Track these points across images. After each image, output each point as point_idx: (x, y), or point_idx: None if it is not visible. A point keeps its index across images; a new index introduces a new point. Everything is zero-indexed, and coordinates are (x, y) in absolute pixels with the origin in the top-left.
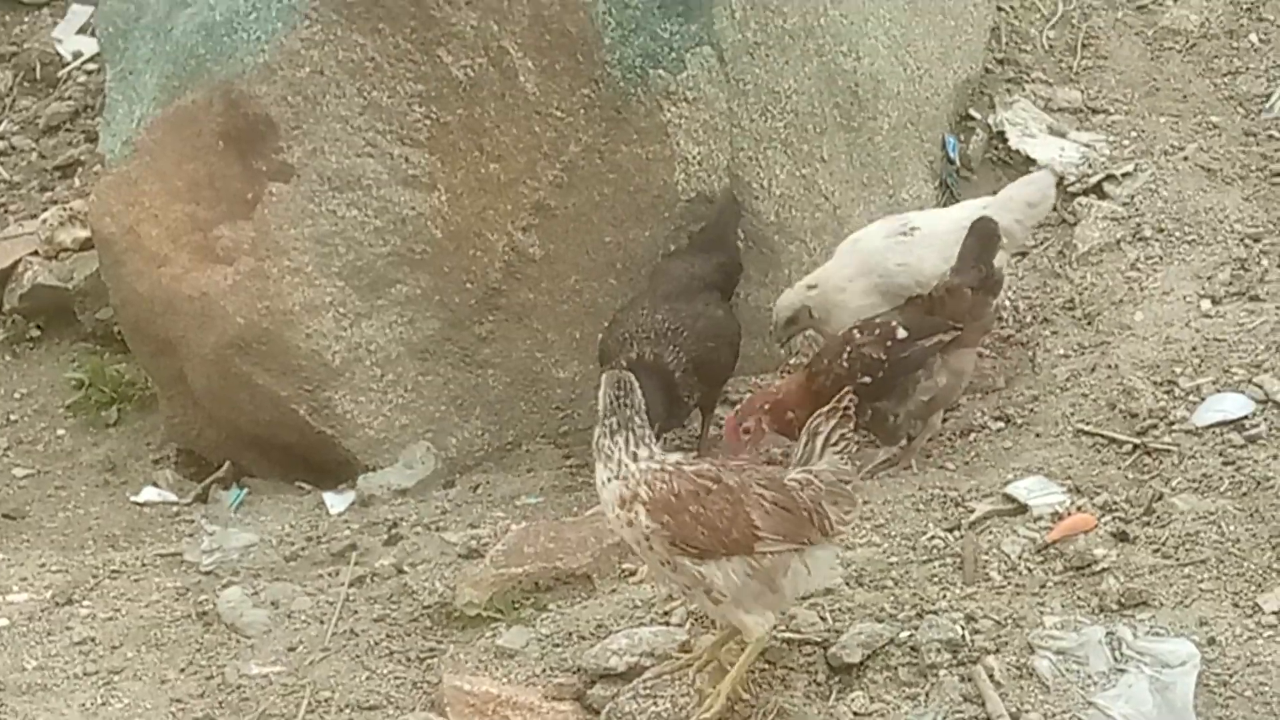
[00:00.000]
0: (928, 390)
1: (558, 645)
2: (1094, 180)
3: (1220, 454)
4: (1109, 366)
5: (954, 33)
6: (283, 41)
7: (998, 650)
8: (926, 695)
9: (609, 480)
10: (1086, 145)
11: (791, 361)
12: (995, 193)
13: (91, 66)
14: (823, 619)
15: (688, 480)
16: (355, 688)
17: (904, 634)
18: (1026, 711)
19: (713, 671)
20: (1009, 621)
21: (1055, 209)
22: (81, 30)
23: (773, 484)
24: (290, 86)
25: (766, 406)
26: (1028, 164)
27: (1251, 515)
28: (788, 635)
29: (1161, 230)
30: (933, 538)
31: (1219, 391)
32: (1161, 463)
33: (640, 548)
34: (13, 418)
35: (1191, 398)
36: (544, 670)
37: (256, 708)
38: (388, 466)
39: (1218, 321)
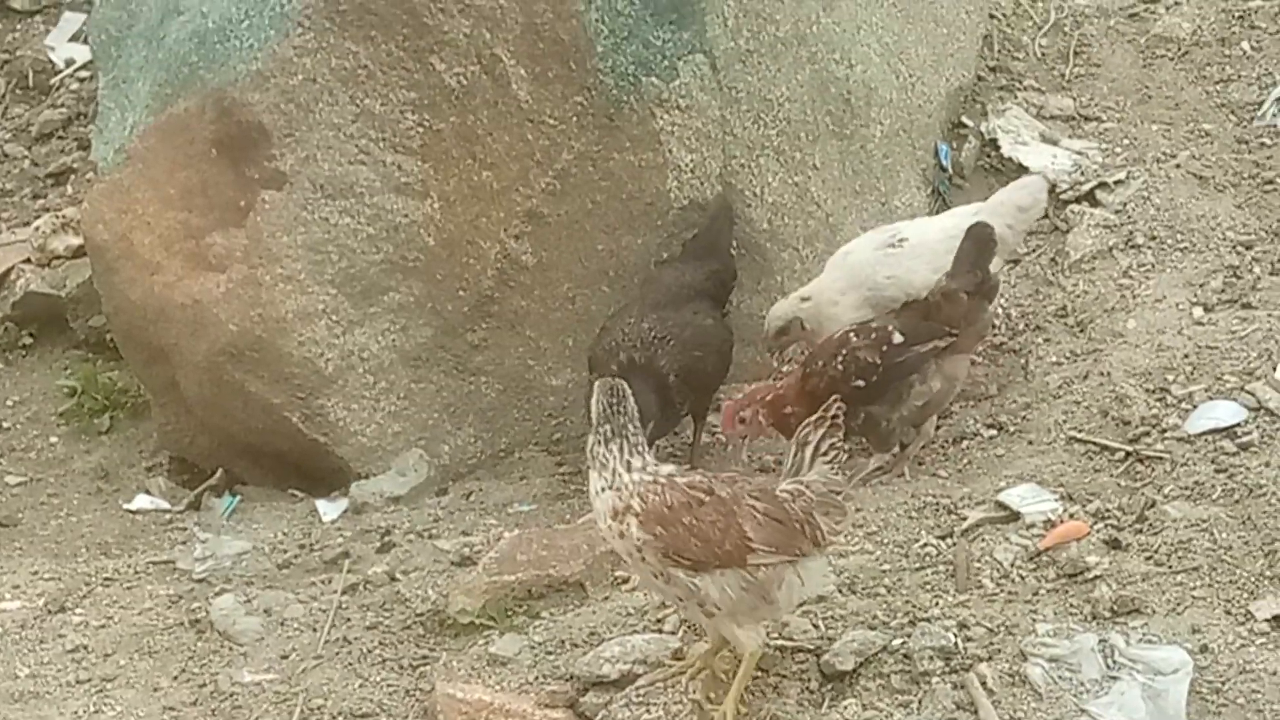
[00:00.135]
0: (922, 395)
1: (550, 653)
2: (1086, 188)
3: (1212, 461)
4: (1101, 374)
5: (946, 40)
6: (275, 49)
7: (990, 658)
8: (919, 703)
9: (603, 490)
10: (1079, 153)
11: (784, 370)
12: (986, 199)
13: (84, 74)
14: (816, 626)
15: (680, 492)
16: (348, 695)
17: (897, 641)
18: (1019, 719)
19: (705, 679)
20: (1002, 629)
21: (1047, 216)
22: (74, 38)
23: (765, 495)
24: (283, 94)
25: (767, 399)
26: (1020, 171)
27: (1244, 523)
28: (780, 643)
29: (1154, 238)
30: (925, 545)
31: (1211, 399)
32: (1154, 470)
33: (633, 559)
34: (5, 425)
35: (1184, 405)
36: (537, 678)
37: (249, 715)
38: (380, 474)
39: (1210, 329)
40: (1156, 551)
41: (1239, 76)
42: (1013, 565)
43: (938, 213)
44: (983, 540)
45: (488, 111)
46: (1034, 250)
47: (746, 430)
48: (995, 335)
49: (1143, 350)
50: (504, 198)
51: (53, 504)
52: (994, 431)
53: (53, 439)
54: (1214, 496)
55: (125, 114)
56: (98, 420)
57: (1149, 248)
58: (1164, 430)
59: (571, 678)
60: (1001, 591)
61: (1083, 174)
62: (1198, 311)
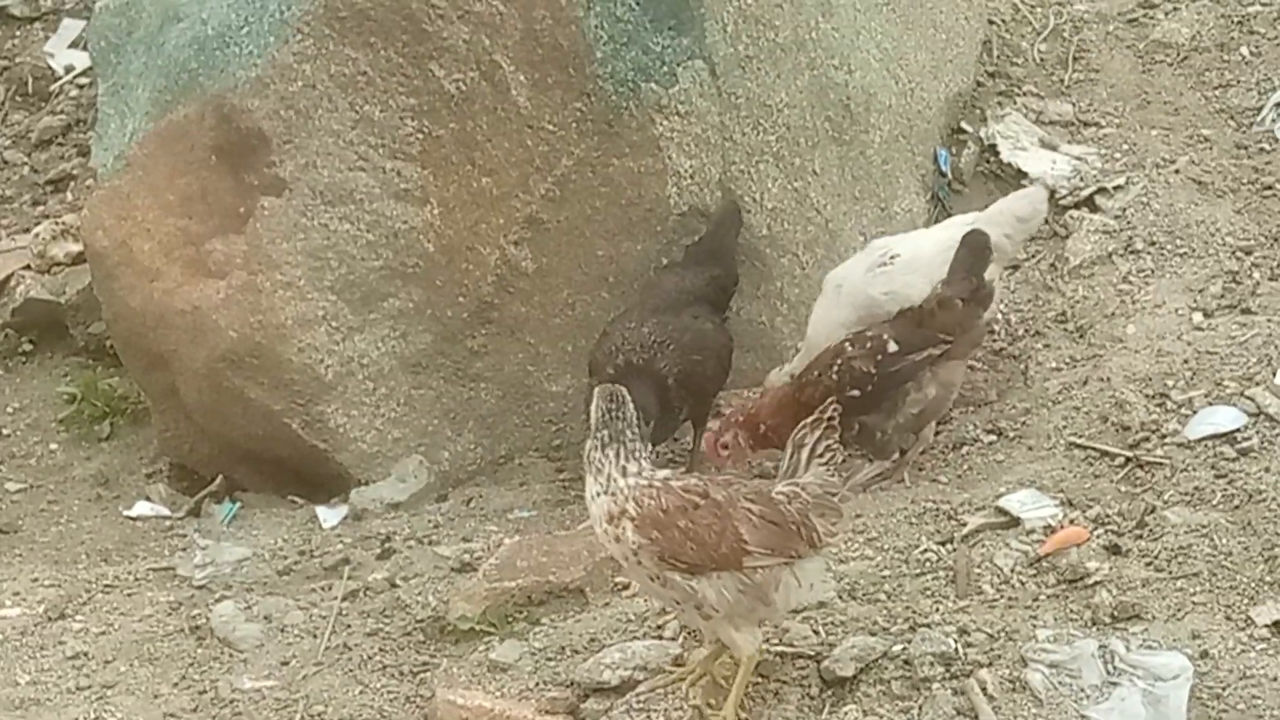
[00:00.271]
0: (917, 403)
1: (551, 659)
2: (1085, 193)
3: (1212, 467)
4: (1101, 379)
5: (945, 46)
6: (275, 55)
7: (991, 664)
8: (919, 709)
9: (598, 495)
10: (1078, 158)
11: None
12: (985, 207)
13: (84, 80)
14: (815, 632)
15: (675, 496)
16: (348, 702)
17: (897, 647)
18: None
19: (706, 685)
20: (1002, 635)
21: (1047, 222)
22: (73, 44)
23: (760, 498)
24: (282, 100)
25: (739, 421)
26: (1019, 177)
27: (1244, 528)
28: (780, 649)
29: (1153, 243)
30: (925, 551)
31: (1211, 404)
32: (1154, 476)
33: (629, 563)
34: (5, 432)
35: (1184, 411)
36: (537, 684)
37: None
38: (380, 480)
39: (1210, 334)
40: (1157, 557)
41: (1238, 82)
42: (1013, 571)
43: (938, 219)
44: (983, 546)
45: (487, 118)
46: (1033, 256)
47: (731, 455)
48: (995, 341)
49: (1142, 356)
50: (503, 204)
51: (53, 511)
52: (994, 437)
53: (53, 446)
54: (1214, 502)
55: (125, 120)
56: (98, 427)
57: (1148, 253)
58: (1164, 436)
59: (572, 684)
60: (1002, 597)
61: (1082, 179)
62: (1197, 317)
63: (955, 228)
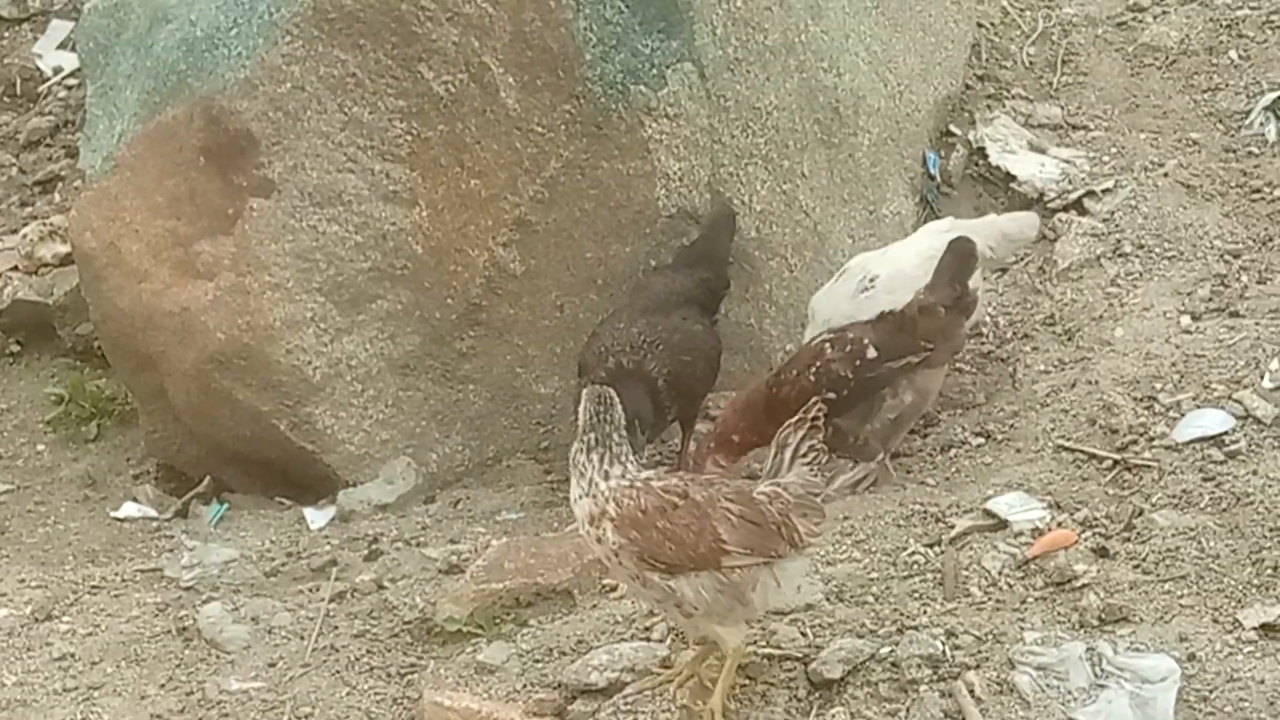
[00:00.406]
0: (893, 409)
1: (538, 661)
2: (1074, 196)
3: (1200, 470)
4: (1089, 382)
5: (934, 49)
6: (264, 57)
7: (978, 666)
8: (907, 711)
9: (580, 498)
10: (1066, 161)
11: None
12: (975, 209)
13: (72, 82)
14: (803, 635)
15: (655, 496)
16: (335, 704)
17: (885, 650)
18: None
19: (693, 687)
20: (989, 637)
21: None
22: (62, 45)
23: (740, 498)
24: (271, 102)
25: (712, 445)
26: (1008, 180)
27: (1231, 531)
28: (768, 651)
29: (1141, 246)
30: (913, 553)
31: (1199, 407)
32: (1142, 479)
33: (611, 563)
34: None
35: (1171, 414)
36: (525, 686)
37: None
38: (368, 482)
39: (1198, 338)
40: (1144, 560)
41: (1226, 85)
42: (1000, 573)
43: (927, 221)
44: (970, 548)
45: (476, 120)
46: (1022, 259)
47: (726, 469)
48: (983, 343)
49: (1130, 359)
50: (492, 206)
51: (40, 512)
52: (982, 440)
53: (40, 447)
54: (1202, 505)
55: (113, 122)
56: (85, 428)
57: (1137, 256)
58: (1152, 439)
59: (559, 686)
60: (989, 600)
61: (1070, 182)
62: (1185, 320)
63: (932, 235)
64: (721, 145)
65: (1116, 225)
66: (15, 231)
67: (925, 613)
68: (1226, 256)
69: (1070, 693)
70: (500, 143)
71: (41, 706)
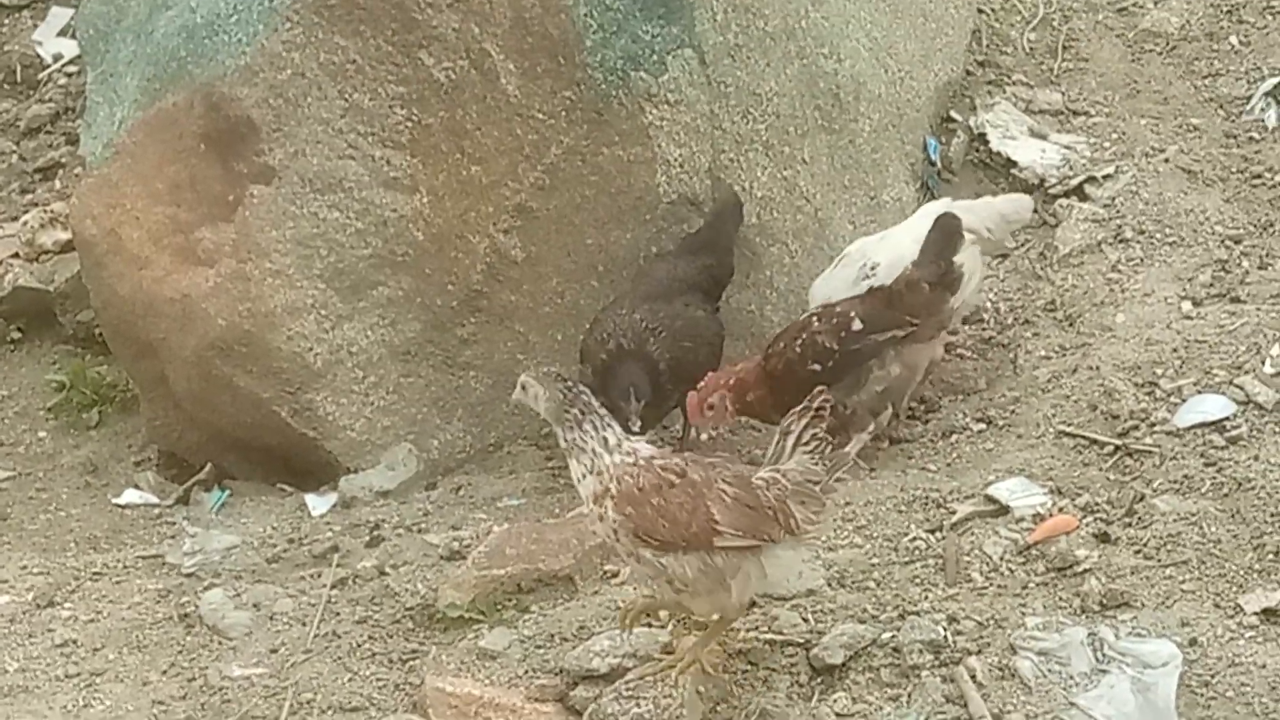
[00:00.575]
0: (881, 381)
1: (540, 647)
2: (1075, 182)
3: (1201, 455)
4: (1090, 368)
5: (935, 35)
6: (264, 44)
7: (980, 651)
8: (909, 696)
9: (583, 477)
10: (1067, 147)
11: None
12: (976, 196)
13: (72, 69)
14: (805, 620)
15: (653, 474)
16: (337, 689)
17: (886, 635)
18: (1009, 712)
19: (695, 673)
20: (991, 622)
21: (1036, 211)
22: (62, 32)
23: (738, 481)
24: (271, 89)
25: (730, 383)
26: (1009, 166)
27: (1233, 516)
28: (770, 636)
29: (1142, 232)
30: (915, 539)
31: (1200, 393)
32: (1143, 464)
33: (611, 540)
34: None
35: (1173, 399)
36: (526, 672)
37: (238, 710)
38: (369, 468)
39: (1199, 323)
40: (1145, 545)
41: (1227, 71)
42: (1002, 559)
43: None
44: (972, 534)
45: (476, 106)
46: (1023, 244)
47: (715, 417)
48: (984, 329)
49: (1131, 344)
50: (493, 192)
51: (41, 499)
52: (983, 425)
53: (41, 434)
54: (1203, 490)
55: (113, 109)
56: (86, 415)
57: (1137, 242)
58: (1153, 424)
59: (561, 671)
60: (991, 585)
61: (1071, 168)
62: (1186, 306)
63: (930, 219)
64: (722, 131)
65: (1117, 211)
66: (16, 219)
67: (927, 598)
68: (1227, 242)
69: (1072, 678)
70: (501, 129)
71: (43, 693)
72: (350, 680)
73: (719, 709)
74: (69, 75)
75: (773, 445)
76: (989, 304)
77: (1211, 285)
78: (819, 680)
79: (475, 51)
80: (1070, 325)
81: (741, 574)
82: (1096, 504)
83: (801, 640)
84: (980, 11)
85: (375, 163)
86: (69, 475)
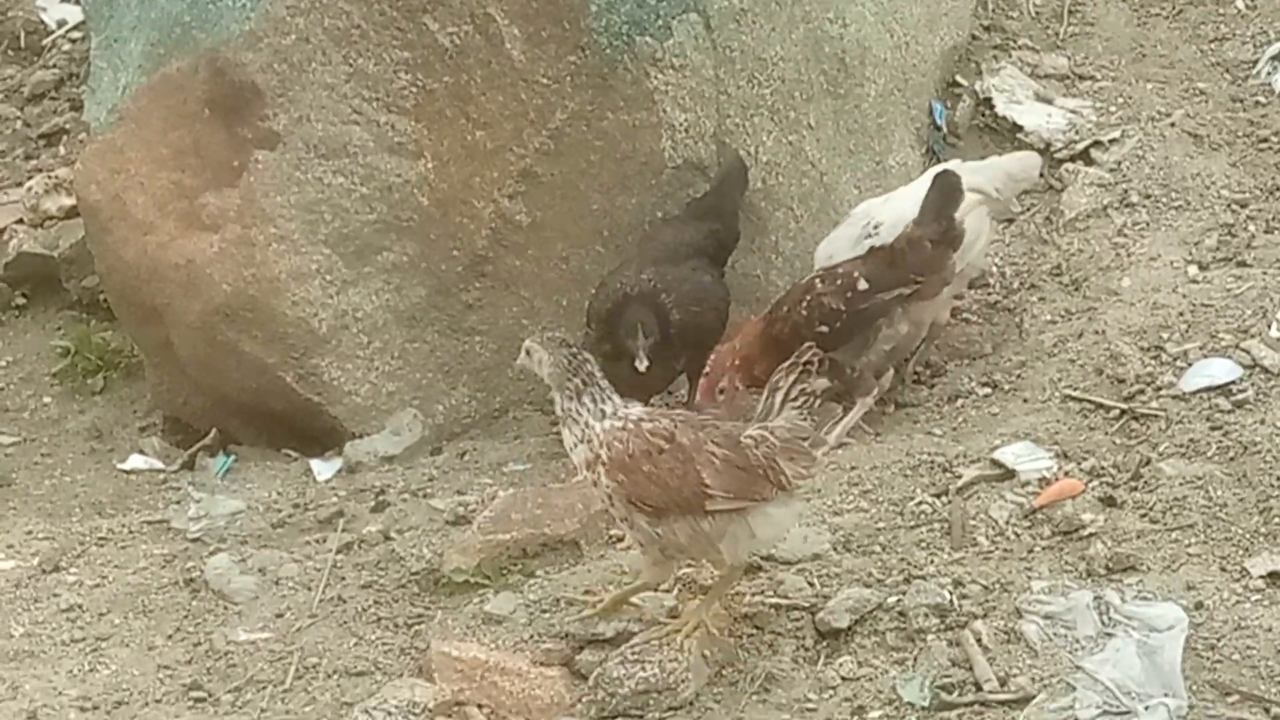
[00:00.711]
0: (889, 340)
1: (545, 611)
2: (1081, 146)
3: (1207, 419)
4: (1096, 332)
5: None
6: (268, 9)
7: (985, 615)
8: (914, 660)
9: (575, 445)
10: (1073, 111)
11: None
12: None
13: (76, 34)
14: (811, 584)
15: (643, 440)
16: (343, 654)
17: (892, 599)
18: (1014, 675)
19: (700, 637)
20: (997, 586)
21: (1042, 175)
22: None
23: (727, 441)
24: (276, 54)
25: (736, 364)
26: (1015, 130)
27: (1239, 480)
28: (775, 600)
29: (1148, 196)
30: (920, 503)
31: (1206, 357)
32: (1149, 428)
33: (606, 505)
34: None
35: (1179, 363)
36: (532, 636)
37: (244, 674)
38: (375, 434)
39: (1205, 287)
40: (1151, 509)
41: (1234, 35)
42: (1008, 523)
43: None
44: (978, 498)
45: (481, 71)
46: (1029, 209)
47: (727, 400)
48: (990, 294)
49: (1138, 308)
50: (498, 157)
51: (47, 464)
52: (989, 390)
53: (46, 399)
54: (1209, 454)
55: (118, 74)
56: (91, 380)
57: (1144, 206)
58: (1159, 388)
59: (567, 636)
60: (996, 549)
61: (1077, 133)
62: (1192, 270)
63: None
64: (727, 96)
65: (1123, 175)
66: (20, 184)
67: (932, 562)
68: (1234, 206)
69: (1078, 641)
70: (505, 94)
71: (49, 657)
72: (356, 645)
73: (724, 673)
74: (73, 41)
75: (761, 401)
76: (995, 268)
77: (1217, 249)
78: (824, 644)
79: (480, 16)
80: (1076, 289)
81: (729, 535)
82: (1102, 468)
83: (807, 604)
84: None
85: (380, 128)
86: (74, 441)
